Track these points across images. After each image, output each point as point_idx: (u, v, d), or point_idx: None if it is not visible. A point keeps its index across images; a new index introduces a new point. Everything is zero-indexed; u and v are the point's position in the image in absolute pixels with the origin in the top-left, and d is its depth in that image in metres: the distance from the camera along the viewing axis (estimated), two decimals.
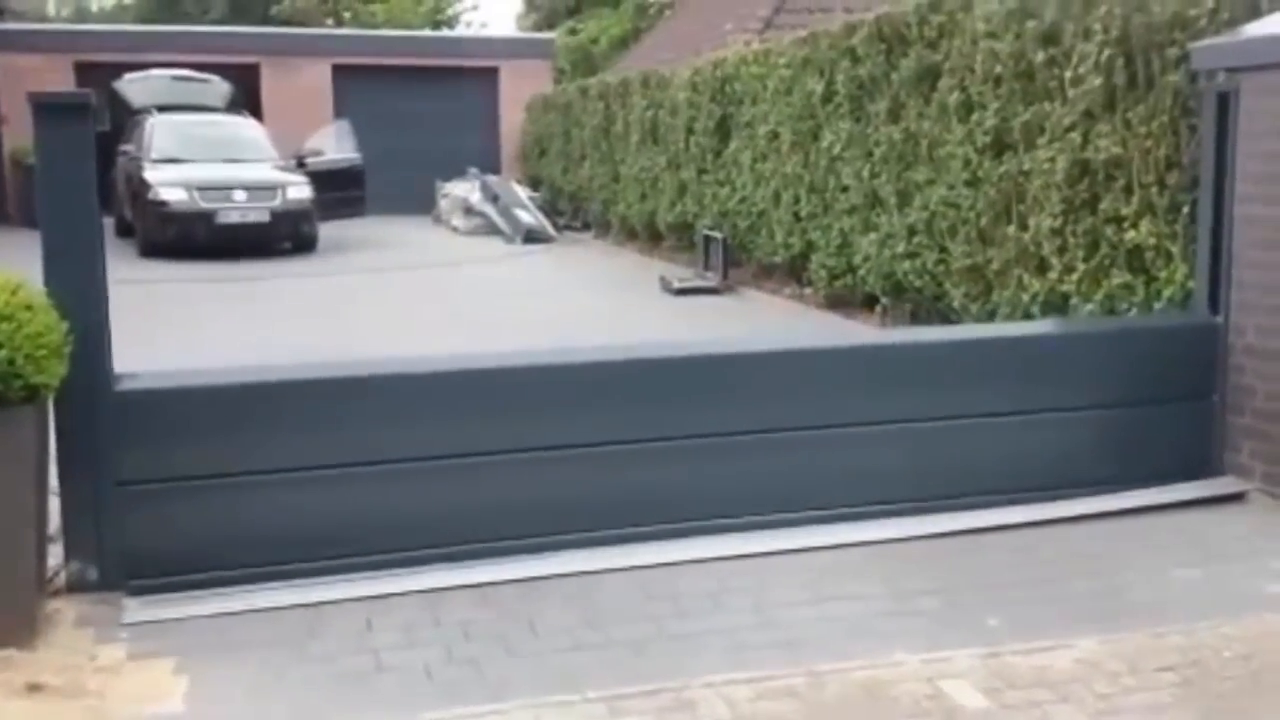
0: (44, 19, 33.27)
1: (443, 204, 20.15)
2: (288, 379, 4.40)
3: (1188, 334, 5.33)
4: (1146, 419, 5.12)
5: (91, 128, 4.07)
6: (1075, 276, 6.43)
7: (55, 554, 4.10)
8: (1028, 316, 7.01)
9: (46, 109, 4.02)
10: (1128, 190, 6.10)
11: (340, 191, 16.45)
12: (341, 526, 4.29)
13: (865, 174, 9.07)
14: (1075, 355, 5.20)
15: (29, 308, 3.68)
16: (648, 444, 4.58)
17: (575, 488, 4.53)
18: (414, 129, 21.66)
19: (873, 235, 9.01)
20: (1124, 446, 5.08)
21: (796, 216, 10.44)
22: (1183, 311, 5.58)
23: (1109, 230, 6.23)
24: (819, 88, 9.79)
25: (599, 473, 4.55)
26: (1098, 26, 6.22)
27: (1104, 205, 6.26)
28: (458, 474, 4.39)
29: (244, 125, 17.40)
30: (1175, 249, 5.76)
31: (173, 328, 9.72)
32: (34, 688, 3.44)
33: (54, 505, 4.07)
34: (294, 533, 4.26)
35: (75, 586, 4.07)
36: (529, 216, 17.75)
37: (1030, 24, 6.81)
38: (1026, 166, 6.92)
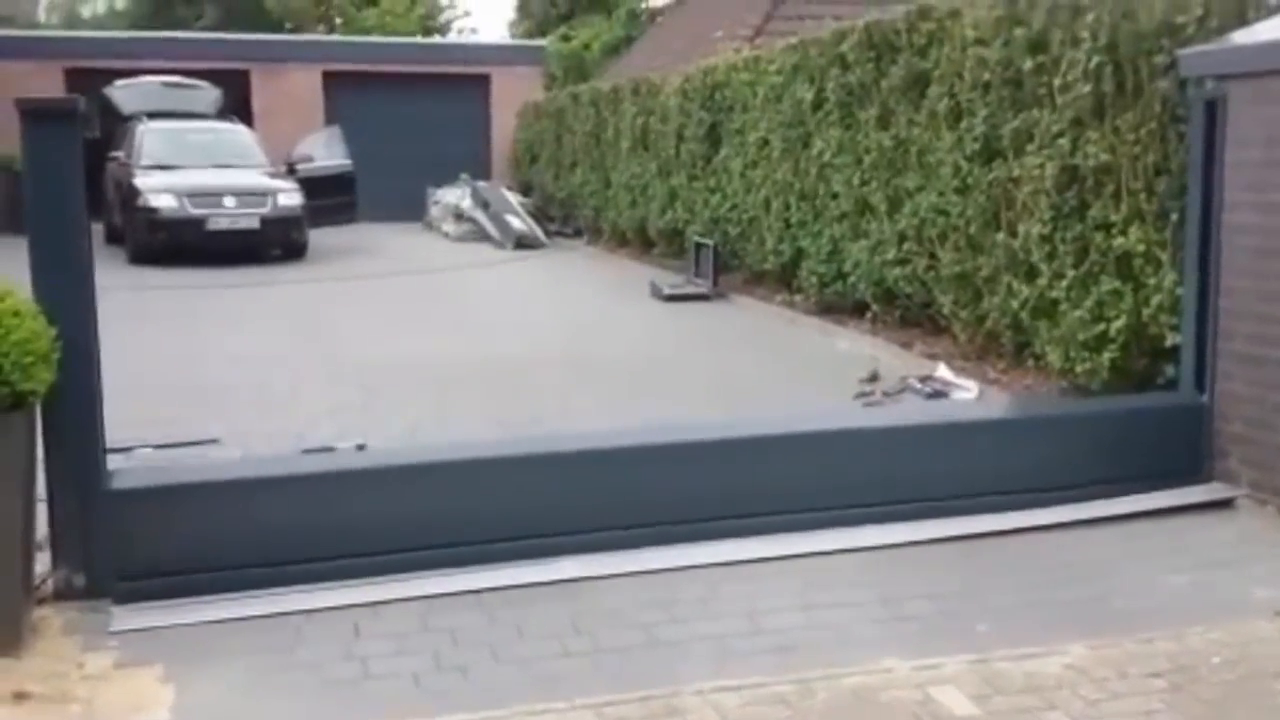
0: (34, 25, 33.19)
1: (434, 210, 20.13)
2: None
3: (1175, 416, 5.34)
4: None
5: (79, 134, 4.05)
6: (1064, 283, 6.44)
7: (43, 561, 4.08)
8: (1017, 322, 7.02)
9: (34, 115, 4.01)
10: (1116, 197, 6.11)
11: (331, 198, 16.41)
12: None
13: (855, 181, 9.08)
14: (1067, 437, 5.23)
15: (16, 314, 3.66)
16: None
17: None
18: (405, 135, 21.63)
19: (863, 242, 9.02)
20: None
21: (787, 223, 10.44)
22: (1170, 393, 5.60)
23: (1098, 237, 6.24)
24: (809, 95, 9.80)
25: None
26: (1086, 34, 6.23)
27: (1093, 212, 6.27)
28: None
29: (234, 131, 17.37)
30: (1164, 255, 5.78)
31: (160, 338, 9.68)
32: (20, 696, 3.43)
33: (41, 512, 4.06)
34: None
35: (63, 594, 4.05)
36: (520, 223, 17.73)
37: (1019, 31, 6.82)
38: (1016, 173, 6.94)
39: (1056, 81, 6.48)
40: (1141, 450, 5.17)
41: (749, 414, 6.82)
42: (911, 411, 6.23)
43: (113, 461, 4.32)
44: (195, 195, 14.90)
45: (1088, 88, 6.20)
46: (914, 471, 4.91)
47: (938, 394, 7.16)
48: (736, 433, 5.05)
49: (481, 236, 18.12)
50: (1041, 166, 6.61)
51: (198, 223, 14.77)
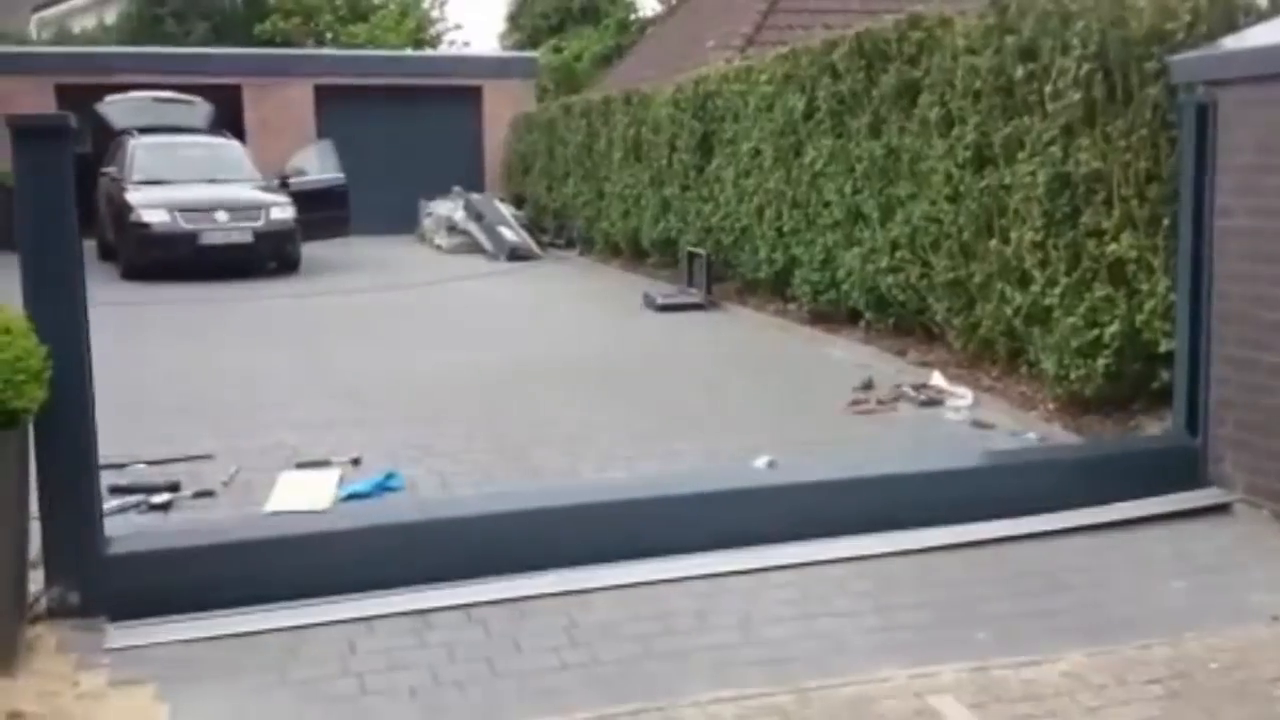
0: (25, 42, 33.15)
1: (426, 223, 20.13)
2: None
3: (1167, 458, 5.32)
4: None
5: (70, 151, 4.04)
6: (1057, 290, 6.45)
7: (36, 579, 4.07)
8: (1010, 329, 7.03)
9: (24, 132, 3.99)
10: (1108, 204, 6.13)
11: (323, 211, 16.38)
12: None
13: (847, 189, 9.09)
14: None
15: (8, 332, 3.66)
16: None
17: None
18: (397, 148, 21.63)
19: (856, 250, 9.03)
20: None
21: (779, 232, 10.46)
22: (1163, 436, 5.60)
23: (1090, 243, 6.25)
24: (800, 104, 9.82)
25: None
26: (1076, 41, 6.25)
27: (1085, 219, 6.29)
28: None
29: (226, 146, 17.35)
30: (1156, 262, 5.79)
31: (153, 353, 9.66)
32: (15, 715, 3.41)
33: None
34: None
35: (57, 612, 4.03)
36: (513, 234, 17.74)
37: (1009, 39, 6.84)
38: (1007, 181, 6.95)
39: (1047, 89, 6.50)
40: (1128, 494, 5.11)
41: (743, 423, 6.83)
42: (922, 456, 6.08)
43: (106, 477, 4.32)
44: (188, 210, 14.87)
45: (1078, 95, 6.21)
46: (919, 503, 4.91)
47: (932, 402, 7.17)
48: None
49: (475, 248, 18.12)
50: (1033, 174, 6.62)
51: (190, 238, 14.74)
